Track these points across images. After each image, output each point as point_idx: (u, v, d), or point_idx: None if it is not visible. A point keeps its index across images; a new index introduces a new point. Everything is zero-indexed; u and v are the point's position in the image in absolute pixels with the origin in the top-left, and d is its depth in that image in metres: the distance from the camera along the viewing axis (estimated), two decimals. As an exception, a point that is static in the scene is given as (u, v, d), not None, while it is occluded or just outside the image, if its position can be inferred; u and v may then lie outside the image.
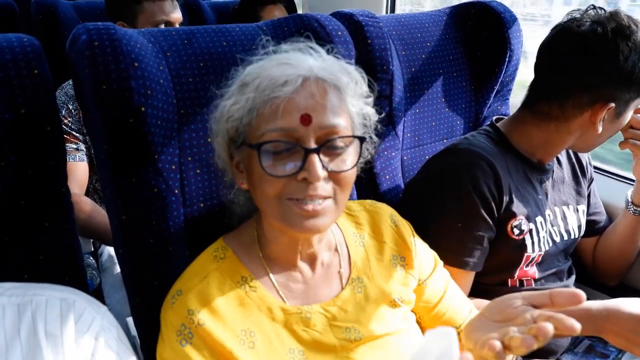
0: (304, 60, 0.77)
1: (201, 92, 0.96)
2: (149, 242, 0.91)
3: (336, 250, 0.90)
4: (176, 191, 0.94)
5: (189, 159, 0.96)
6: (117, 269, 1.59)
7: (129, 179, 0.88)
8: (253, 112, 0.76)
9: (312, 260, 0.87)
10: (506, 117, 1.24)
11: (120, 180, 0.88)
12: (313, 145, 0.74)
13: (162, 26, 1.72)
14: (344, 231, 0.93)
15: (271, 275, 0.85)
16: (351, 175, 0.79)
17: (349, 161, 0.77)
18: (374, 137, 0.88)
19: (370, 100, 0.85)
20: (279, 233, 0.84)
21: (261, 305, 0.82)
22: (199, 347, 0.76)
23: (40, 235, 0.87)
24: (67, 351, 0.69)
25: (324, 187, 0.75)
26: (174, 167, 0.93)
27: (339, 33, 1.04)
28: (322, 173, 0.74)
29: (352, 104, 0.80)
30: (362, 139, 0.79)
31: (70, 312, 0.72)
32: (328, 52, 0.83)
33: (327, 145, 0.75)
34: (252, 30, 1.06)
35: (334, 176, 0.76)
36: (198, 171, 0.97)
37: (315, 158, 0.73)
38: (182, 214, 0.96)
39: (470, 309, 1.01)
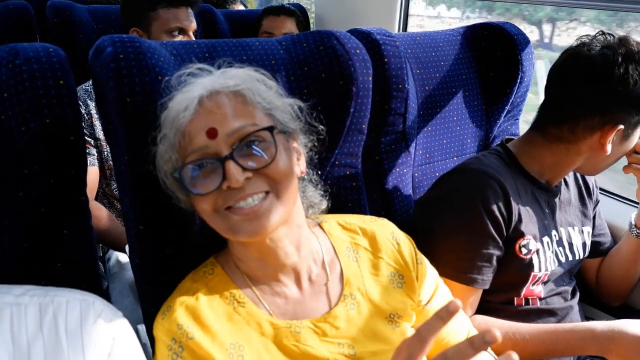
0: (199, 82, 0.80)
1: (220, 105, 0.97)
2: (165, 252, 0.93)
3: (323, 265, 0.90)
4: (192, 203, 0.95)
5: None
6: (126, 274, 1.58)
7: (148, 189, 0.90)
8: (174, 147, 0.79)
9: (296, 274, 0.87)
10: (516, 138, 1.27)
11: (139, 191, 0.90)
12: (226, 153, 0.76)
13: (176, 33, 1.74)
14: (335, 245, 0.92)
15: (256, 291, 0.85)
16: (282, 167, 0.79)
17: (270, 154, 0.78)
18: (317, 124, 0.90)
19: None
20: (245, 249, 0.84)
21: (250, 321, 0.82)
22: None
23: (59, 242, 0.89)
24: (86, 349, 0.71)
25: (254, 185, 0.77)
26: (191, 178, 0.94)
27: (357, 51, 1.05)
28: (242, 176, 0.75)
29: (264, 101, 0.81)
30: (270, 129, 0.79)
31: (89, 312, 0.74)
32: (219, 66, 0.85)
33: (239, 147, 0.77)
34: (272, 45, 1.08)
35: (262, 173, 0.77)
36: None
37: (231, 164, 0.75)
38: (197, 224, 0.97)
39: (469, 329, 1.00)
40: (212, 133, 0.76)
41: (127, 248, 1.29)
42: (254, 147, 0.77)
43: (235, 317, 0.82)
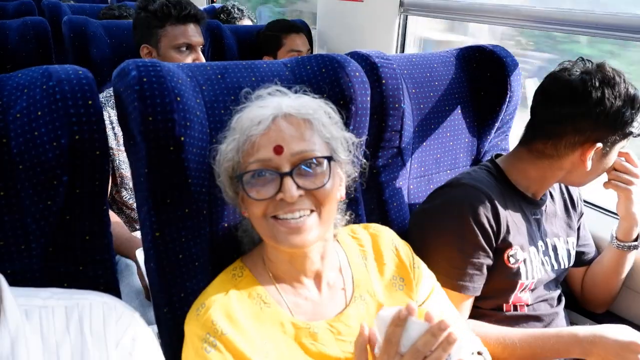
0: (275, 101, 0.91)
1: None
2: (178, 258, 1.00)
3: (340, 271, 0.99)
4: (204, 212, 1.03)
5: (217, 183, 1.05)
6: (132, 279, 1.64)
7: (164, 199, 0.97)
8: (240, 151, 0.89)
9: (317, 279, 0.96)
10: (504, 154, 1.35)
11: (156, 200, 0.97)
12: (287, 169, 0.86)
13: (184, 49, 1.80)
14: (347, 253, 1.02)
15: (281, 292, 0.94)
16: (329, 192, 0.89)
17: (322, 179, 0.88)
18: (361, 159, 1.02)
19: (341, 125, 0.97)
20: (278, 252, 0.93)
21: (274, 320, 0.91)
22: (223, 353, 0.85)
23: (81, 248, 0.95)
24: (109, 349, 0.76)
25: (303, 203, 0.87)
26: (204, 190, 1.02)
27: (357, 74, 1.14)
28: (296, 192, 0.85)
29: (326, 131, 0.92)
30: (329, 158, 0.90)
31: (111, 314, 0.79)
32: (296, 92, 0.96)
33: (300, 167, 0.87)
34: (278, 67, 1.16)
35: (312, 194, 0.88)
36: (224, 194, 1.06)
37: (289, 180, 0.85)
38: (208, 232, 1.05)
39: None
40: (278, 149, 0.86)
41: (137, 254, 1.36)
42: (310, 170, 0.88)
43: (262, 316, 0.91)
